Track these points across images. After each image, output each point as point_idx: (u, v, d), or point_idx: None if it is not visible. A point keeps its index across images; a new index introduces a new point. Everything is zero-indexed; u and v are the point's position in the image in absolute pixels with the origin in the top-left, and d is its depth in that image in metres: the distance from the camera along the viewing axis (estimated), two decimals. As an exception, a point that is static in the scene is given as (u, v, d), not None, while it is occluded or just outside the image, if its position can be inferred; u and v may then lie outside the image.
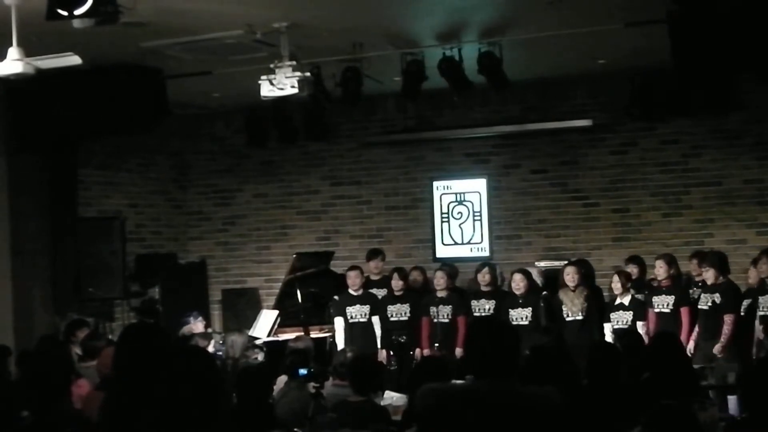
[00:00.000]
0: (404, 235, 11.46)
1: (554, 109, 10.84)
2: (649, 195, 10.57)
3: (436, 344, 9.02)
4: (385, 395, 6.77)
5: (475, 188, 11.18)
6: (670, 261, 8.77)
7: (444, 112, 11.21)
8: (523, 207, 11.02)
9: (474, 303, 9.18)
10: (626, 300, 8.60)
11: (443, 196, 11.31)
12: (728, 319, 8.13)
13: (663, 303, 8.58)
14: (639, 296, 8.73)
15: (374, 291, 9.71)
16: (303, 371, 6.01)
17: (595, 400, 4.86)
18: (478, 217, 11.17)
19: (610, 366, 5.21)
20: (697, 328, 8.36)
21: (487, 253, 11.00)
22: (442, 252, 11.23)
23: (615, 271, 8.98)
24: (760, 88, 9.49)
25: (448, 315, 9.15)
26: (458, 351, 8.78)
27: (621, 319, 8.55)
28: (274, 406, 5.74)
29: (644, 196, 10.59)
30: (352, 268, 9.68)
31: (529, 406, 3.39)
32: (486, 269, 9.34)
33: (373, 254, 10.05)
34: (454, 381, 4.85)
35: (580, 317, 8.68)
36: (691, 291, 8.80)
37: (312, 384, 5.81)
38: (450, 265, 10.08)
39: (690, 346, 8.24)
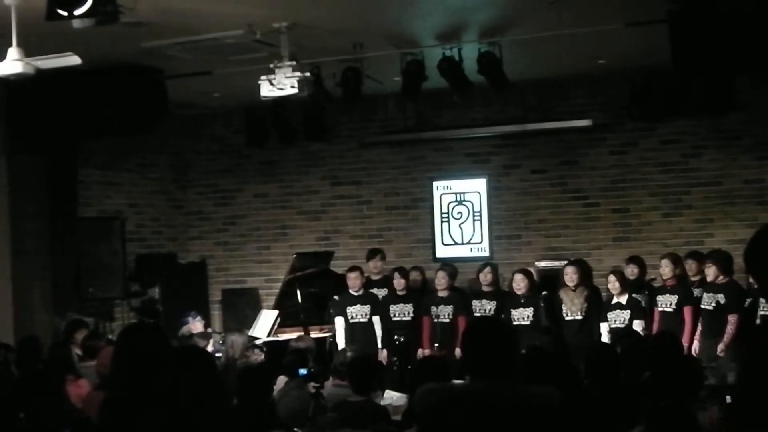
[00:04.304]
0: (404, 235, 11.45)
1: (554, 109, 10.84)
2: (649, 195, 10.56)
3: (437, 344, 9.02)
4: (385, 395, 6.78)
5: (475, 188, 11.18)
6: (676, 260, 8.77)
7: (444, 112, 11.21)
8: (523, 207, 11.01)
9: (475, 303, 9.19)
10: (623, 299, 8.61)
11: (443, 196, 11.31)
12: (732, 318, 8.14)
13: (667, 302, 8.59)
14: (637, 296, 8.74)
15: (375, 291, 9.70)
16: (303, 371, 6.02)
17: (595, 401, 4.86)
18: (478, 217, 11.17)
19: (609, 366, 5.21)
20: (700, 327, 8.37)
21: (487, 253, 10.99)
22: (442, 252, 11.22)
23: (610, 271, 8.99)
24: (760, 88, 9.48)
25: (449, 315, 9.15)
26: (457, 351, 8.78)
27: (618, 318, 8.55)
28: (275, 405, 5.74)
29: (644, 196, 10.58)
30: (352, 269, 9.67)
31: (529, 405, 3.39)
32: (488, 269, 9.36)
33: (373, 254, 10.04)
34: (454, 381, 4.85)
35: (579, 317, 8.70)
36: (696, 292, 8.77)
37: (312, 384, 5.82)
38: (451, 265, 10.08)
39: (695, 347, 8.25)
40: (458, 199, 11.26)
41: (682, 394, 4.87)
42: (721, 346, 8.04)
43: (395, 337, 9.32)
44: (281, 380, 6.49)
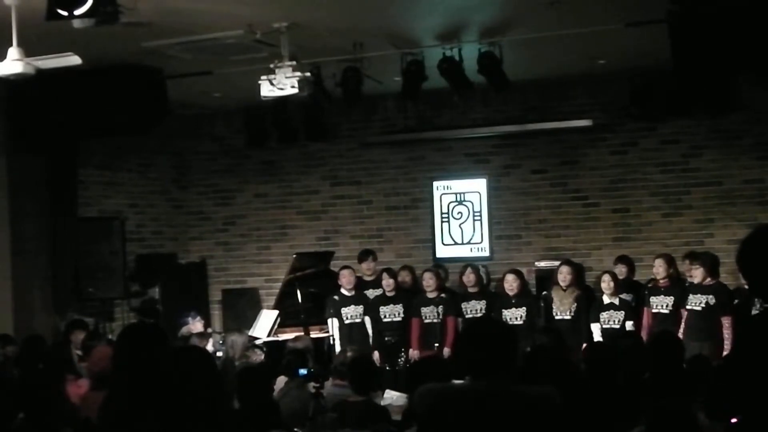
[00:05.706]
0: (404, 235, 11.45)
1: (554, 109, 10.84)
2: (649, 195, 10.56)
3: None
4: (385, 395, 6.79)
5: (475, 188, 11.18)
6: (670, 261, 8.77)
7: (444, 112, 11.20)
8: (523, 207, 11.01)
9: (464, 305, 9.22)
10: (617, 300, 8.61)
11: (443, 196, 11.30)
12: (726, 321, 8.11)
13: (662, 303, 8.58)
14: (625, 296, 8.73)
15: (369, 291, 9.70)
16: (303, 371, 6.02)
17: (595, 401, 4.85)
18: (478, 217, 11.16)
19: (608, 367, 5.21)
20: (683, 327, 8.33)
21: (487, 253, 10.99)
22: (442, 252, 11.21)
23: (603, 272, 8.98)
24: (760, 88, 9.48)
25: (438, 316, 9.15)
26: (446, 351, 8.79)
27: (612, 318, 8.55)
28: (275, 405, 5.73)
29: (644, 196, 10.58)
30: (345, 267, 9.68)
31: (529, 406, 3.39)
32: (469, 270, 9.41)
33: (365, 255, 10.01)
34: (453, 381, 4.85)
35: (568, 317, 8.71)
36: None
37: (312, 384, 5.82)
38: (440, 266, 10.09)
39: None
40: (458, 199, 11.25)
41: (682, 394, 4.87)
42: (726, 354, 7.94)
43: (386, 338, 9.33)
44: (281, 380, 6.49)
